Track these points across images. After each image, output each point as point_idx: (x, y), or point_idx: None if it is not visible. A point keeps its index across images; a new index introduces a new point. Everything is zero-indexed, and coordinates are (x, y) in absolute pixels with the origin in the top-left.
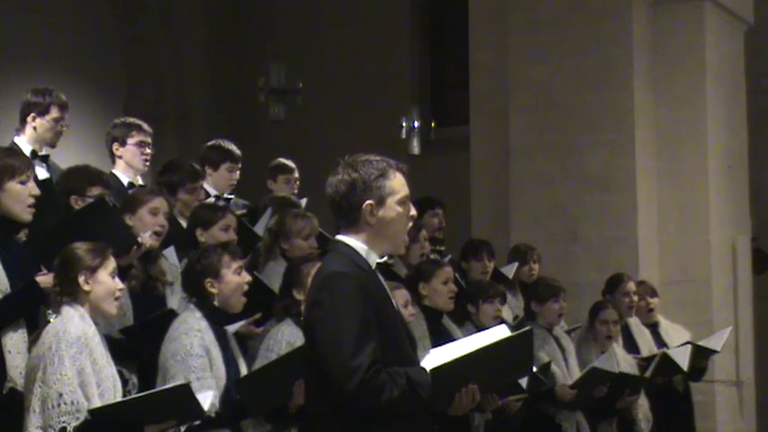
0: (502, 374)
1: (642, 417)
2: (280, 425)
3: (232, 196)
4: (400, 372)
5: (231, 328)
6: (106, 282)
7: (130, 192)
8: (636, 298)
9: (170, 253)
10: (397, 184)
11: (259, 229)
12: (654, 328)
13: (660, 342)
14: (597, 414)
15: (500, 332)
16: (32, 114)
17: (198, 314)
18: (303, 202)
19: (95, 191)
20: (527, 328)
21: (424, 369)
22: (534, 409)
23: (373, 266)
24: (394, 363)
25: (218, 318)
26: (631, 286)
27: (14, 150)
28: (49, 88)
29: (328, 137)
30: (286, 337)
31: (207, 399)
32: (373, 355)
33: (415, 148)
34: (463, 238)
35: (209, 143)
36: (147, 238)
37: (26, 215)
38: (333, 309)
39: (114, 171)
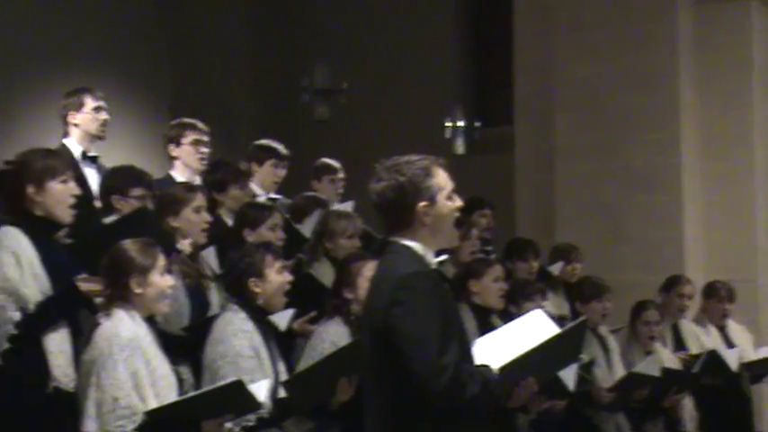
0: (553, 363)
1: (688, 417)
2: (322, 422)
3: (278, 196)
4: (475, 370)
5: (281, 322)
6: (157, 282)
7: (164, 192)
8: (687, 302)
9: (209, 253)
10: (443, 179)
11: (306, 230)
12: (722, 328)
13: (728, 343)
14: (642, 414)
15: (537, 317)
16: (71, 113)
17: (242, 314)
18: (350, 204)
19: (137, 192)
20: (582, 318)
21: (488, 367)
22: (573, 411)
23: (433, 266)
24: (462, 360)
25: (261, 317)
26: (688, 289)
27: (54, 151)
28: (79, 87)
29: (372, 137)
30: (331, 336)
31: (261, 390)
32: (456, 354)
33: (460, 148)
34: (508, 238)
35: (257, 142)
36: (186, 245)
37: (67, 216)
38: (415, 307)
39: (171, 172)
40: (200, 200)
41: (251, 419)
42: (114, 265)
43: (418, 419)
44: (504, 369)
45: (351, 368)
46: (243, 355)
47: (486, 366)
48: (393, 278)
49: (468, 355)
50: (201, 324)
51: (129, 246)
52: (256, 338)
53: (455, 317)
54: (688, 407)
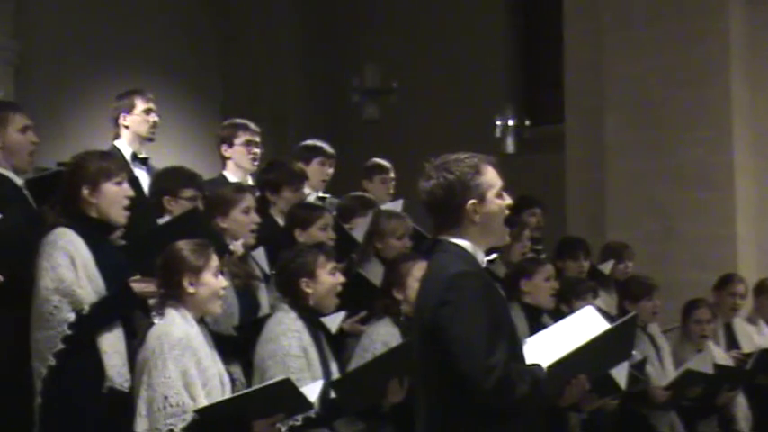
0: (605, 361)
1: (741, 415)
2: (373, 423)
3: (327, 195)
4: (525, 369)
5: (331, 324)
6: (210, 282)
7: (213, 193)
8: (740, 301)
9: (259, 254)
10: (492, 177)
11: (357, 233)
12: None
13: None
14: (696, 413)
15: (588, 315)
16: (122, 115)
17: (293, 314)
18: (399, 203)
19: (188, 192)
20: (632, 314)
21: (539, 365)
22: (627, 409)
23: (483, 265)
24: (512, 360)
25: (312, 318)
26: (740, 288)
27: (108, 153)
28: (130, 89)
29: (422, 136)
30: (381, 336)
31: (314, 391)
32: (505, 353)
33: (510, 146)
34: (558, 237)
35: (302, 143)
36: (239, 246)
37: (121, 218)
38: (463, 308)
39: (224, 173)
40: (248, 201)
41: (297, 419)
42: (168, 264)
43: (467, 420)
44: (553, 367)
45: (401, 369)
46: (291, 354)
47: (537, 365)
48: (441, 278)
49: (518, 355)
50: (252, 323)
51: (183, 245)
52: (305, 338)
53: (505, 316)
54: (741, 405)
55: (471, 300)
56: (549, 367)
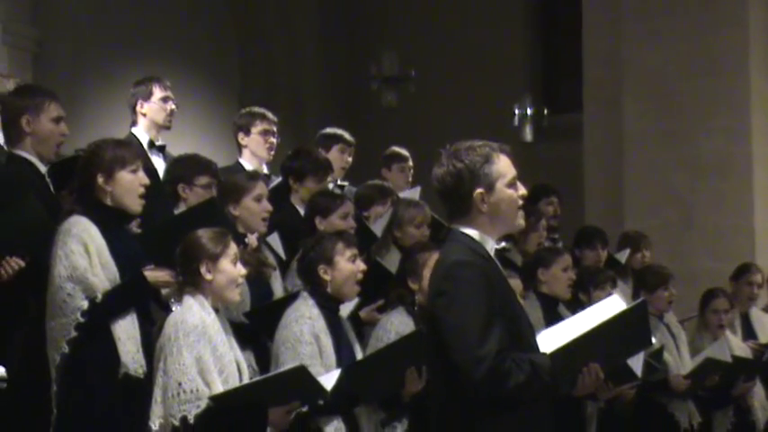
0: (621, 350)
1: (758, 405)
2: (393, 413)
3: (346, 183)
4: (524, 357)
5: (344, 310)
6: (228, 270)
7: (226, 180)
8: (757, 290)
9: (274, 240)
10: (504, 166)
11: (377, 228)
12: None
13: None
14: (712, 403)
15: (613, 304)
16: (139, 102)
17: (310, 301)
18: (417, 191)
19: (203, 180)
20: (641, 300)
21: (544, 354)
22: (645, 398)
23: (491, 254)
24: (516, 350)
25: (330, 305)
26: (757, 278)
27: (124, 141)
28: (148, 76)
29: (440, 124)
30: (395, 326)
31: (331, 380)
32: (499, 343)
33: (528, 135)
34: (576, 226)
35: (322, 131)
36: (253, 240)
37: (136, 206)
38: (457, 297)
39: (240, 160)
40: (261, 188)
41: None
42: (186, 251)
43: (471, 408)
44: (556, 354)
45: (416, 358)
46: (302, 341)
47: (541, 353)
48: (442, 267)
49: (524, 344)
50: (262, 309)
51: (202, 233)
52: (318, 325)
53: (507, 305)
54: (758, 395)
55: (466, 289)
56: (552, 354)
